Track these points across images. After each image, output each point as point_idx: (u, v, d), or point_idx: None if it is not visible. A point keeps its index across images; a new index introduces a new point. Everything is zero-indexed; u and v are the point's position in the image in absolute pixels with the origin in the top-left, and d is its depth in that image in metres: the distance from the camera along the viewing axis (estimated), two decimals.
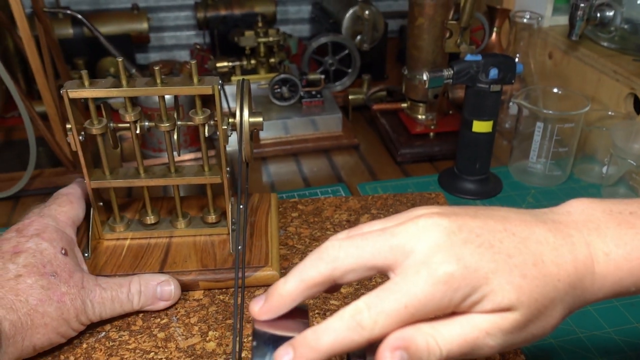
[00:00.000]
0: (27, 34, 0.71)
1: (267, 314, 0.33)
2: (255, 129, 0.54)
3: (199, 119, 0.52)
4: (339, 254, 0.32)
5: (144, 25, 1.05)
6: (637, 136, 0.74)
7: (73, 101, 0.51)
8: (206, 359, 0.48)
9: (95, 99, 0.51)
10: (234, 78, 0.96)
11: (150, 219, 0.58)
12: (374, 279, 0.54)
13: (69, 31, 1.00)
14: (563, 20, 0.94)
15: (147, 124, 0.54)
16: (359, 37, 0.97)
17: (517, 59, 0.88)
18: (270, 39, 0.94)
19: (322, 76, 0.91)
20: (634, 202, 0.35)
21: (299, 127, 0.88)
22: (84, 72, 0.50)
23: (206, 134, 0.53)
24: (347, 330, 0.30)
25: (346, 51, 0.97)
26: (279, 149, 0.87)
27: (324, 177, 0.82)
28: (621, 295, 0.34)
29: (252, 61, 0.97)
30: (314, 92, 0.91)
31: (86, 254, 0.56)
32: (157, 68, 0.50)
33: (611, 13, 0.81)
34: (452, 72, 0.70)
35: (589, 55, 0.85)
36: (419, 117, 0.87)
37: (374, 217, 0.66)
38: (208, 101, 0.54)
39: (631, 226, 0.33)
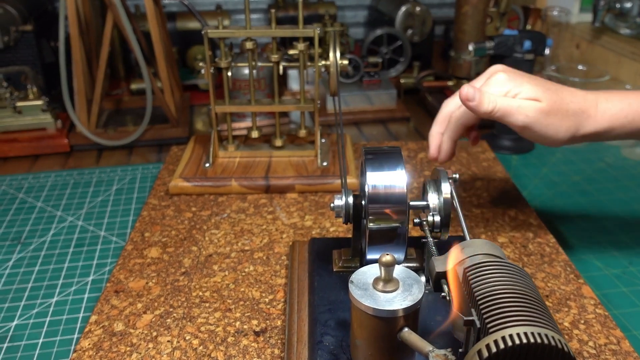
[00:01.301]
0: (154, 23, 0.90)
1: (433, 151, 0.59)
2: (342, 69, 0.70)
3: (300, 46, 0.68)
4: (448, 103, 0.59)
5: (226, 22, 1.24)
6: None
7: (210, 41, 0.68)
8: (305, 230, 0.63)
9: (225, 39, 0.69)
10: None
11: (255, 134, 0.74)
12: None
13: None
14: (588, 17, 1.09)
15: (260, 64, 0.71)
16: (410, 31, 1.14)
17: (548, 51, 1.03)
18: (336, 28, 1.11)
19: (380, 59, 1.08)
20: (632, 91, 0.55)
21: (359, 101, 1.04)
22: (220, 18, 0.67)
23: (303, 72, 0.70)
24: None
25: (399, 42, 1.14)
26: (343, 118, 1.03)
27: (382, 140, 0.97)
28: (607, 135, 0.54)
29: (319, 49, 1.14)
30: (372, 73, 1.07)
31: (207, 164, 0.72)
32: (273, 11, 0.67)
33: (629, 4, 0.96)
34: (493, 43, 0.86)
35: (610, 42, 0.99)
36: None
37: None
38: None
39: (628, 93, 0.54)
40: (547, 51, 0.96)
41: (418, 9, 1.12)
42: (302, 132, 0.74)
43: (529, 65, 0.86)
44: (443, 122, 0.59)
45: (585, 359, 0.47)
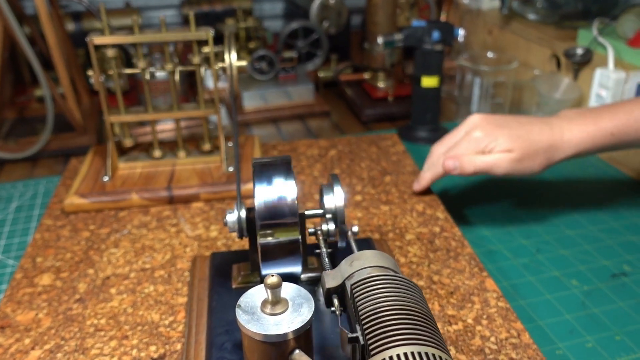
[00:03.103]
0: (49, 25, 0.84)
1: (420, 187, 0.68)
2: (241, 71, 0.67)
3: (195, 59, 0.65)
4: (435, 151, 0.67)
5: (135, 18, 1.18)
6: (558, 87, 0.89)
7: (96, 49, 0.64)
8: (211, 241, 0.61)
9: (113, 46, 0.64)
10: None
11: (157, 153, 0.70)
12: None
13: (70, 26, 1.13)
14: (498, 3, 1.10)
15: (153, 69, 0.67)
16: (326, 23, 1.12)
17: (462, 38, 1.04)
18: (249, 24, 1.08)
19: (296, 54, 1.05)
20: (597, 107, 0.63)
21: (276, 97, 1.02)
22: (105, 23, 0.63)
23: (202, 75, 0.67)
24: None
25: (315, 35, 1.12)
26: (260, 116, 1.01)
27: (301, 137, 0.95)
28: (579, 156, 0.62)
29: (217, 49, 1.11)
30: (288, 68, 1.05)
31: (106, 177, 0.68)
32: (162, 17, 0.63)
33: None
34: (402, 36, 0.85)
35: (519, 27, 1.01)
36: (379, 84, 1.01)
37: (339, 152, 0.80)
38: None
39: (586, 118, 0.61)
40: (460, 38, 0.97)
41: (332, 0, 1.10)
42: (207, 147, 0.71)
43: (439, 56, 0.86)
44: (430, 167, 0.67)
45: (487, 355, 0.47)
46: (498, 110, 0.93)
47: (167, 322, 0.51)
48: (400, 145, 0.82)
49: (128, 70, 0.67)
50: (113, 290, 0.55)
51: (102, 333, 0.50)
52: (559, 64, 0.94)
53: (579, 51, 0.86)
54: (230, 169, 0.70)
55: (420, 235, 0.62)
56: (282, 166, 0.45)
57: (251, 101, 1.01)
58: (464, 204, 0.73)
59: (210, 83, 1.07)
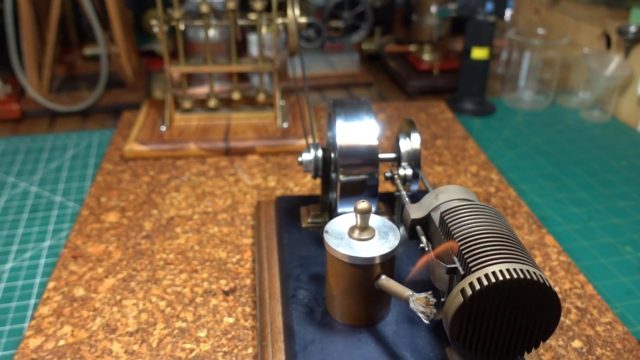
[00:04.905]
0: None
1: None
2: (301, 28, 0.68)
3: (257, 4, 0.66)
4: None
5: None
6: (608, 65, 0.89)
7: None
8: (269, 190, 0.62)
9: None
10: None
11: (213, 102, 0.71)
12: None
13: None
14: None
15: (215, 22, 0.68)
16: None
17: (509, 18, 1.04)
18: None
19: (343, 24, 1.06)
20: None
21: (322, 66, 1.03)
22: None
23: (264, 30, 0.67)
24: None
25: (361, 8, 1.12)
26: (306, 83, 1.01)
27: None
28: None
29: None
30: (334, 38, 1.05)
31: (163, 127, 0.69)
32: None
33: None
34: (455, 6, 0.85)
35: (569, 6, 1.00)
36: (425, 57, 1.01)
37: (388, 116, 0.81)
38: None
39: None
40: (507, 17, 0.96)
41: None
42: (261, 96, 0.72)
43: (492, 28, 0.86)
44: None
45: None
46: (545, 88, 0.93)
47: (234, 260, 0.52)
48: (448, 113, 0.83)
49: (195, 23, 0.67)
50: (178, 230, 0.56)
51: (172, 266, 0.51)
52: (608, 44, 0.93)
53: (633, 29, 0.86)
54: (285, 125, 0.71)
55: (476, 194, 0.62)
56: (363, 105, 0.46)
57: (295, 68, 1.01)
58: (513, 172, 0.73)
59: (254, 51, 1.07)
